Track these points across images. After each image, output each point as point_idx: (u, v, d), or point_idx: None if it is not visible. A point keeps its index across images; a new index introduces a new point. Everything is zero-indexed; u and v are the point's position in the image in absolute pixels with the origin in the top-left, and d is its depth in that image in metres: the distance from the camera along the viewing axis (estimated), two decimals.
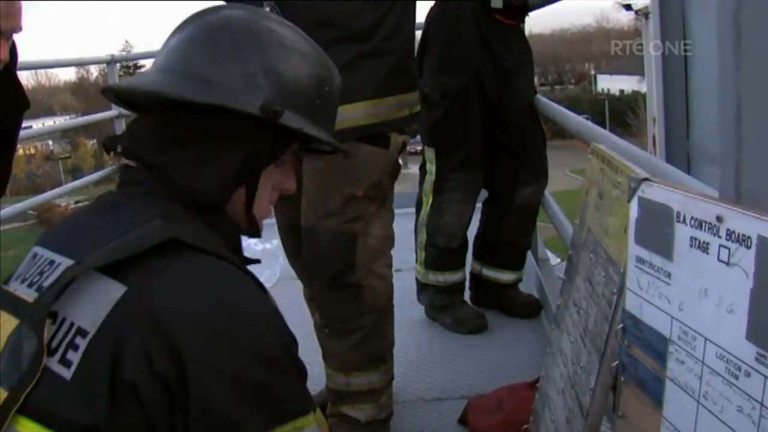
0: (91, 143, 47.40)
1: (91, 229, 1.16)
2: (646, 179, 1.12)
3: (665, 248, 1.02)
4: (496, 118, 3.29)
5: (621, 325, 1.19)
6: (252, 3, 2.15)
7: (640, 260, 1.11)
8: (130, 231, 1.09)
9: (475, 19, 3.21)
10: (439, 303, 3.42)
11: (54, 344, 1.03)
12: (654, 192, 1.08)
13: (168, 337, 0.99)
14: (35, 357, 1.02)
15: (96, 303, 1.03)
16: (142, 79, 1.24)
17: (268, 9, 2.06)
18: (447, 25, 3.23)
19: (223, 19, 1.26)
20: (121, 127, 5.46)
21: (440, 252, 3.35)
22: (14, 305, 1.12)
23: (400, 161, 2.30)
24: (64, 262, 1.11)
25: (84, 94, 57.69)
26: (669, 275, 1.01)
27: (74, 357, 1.01)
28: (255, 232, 1.31)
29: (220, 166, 1.19)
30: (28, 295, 1.11)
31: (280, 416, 1.06)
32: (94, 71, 56.08)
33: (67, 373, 1.01)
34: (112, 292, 1.03)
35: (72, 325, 1.03)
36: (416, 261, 3.45)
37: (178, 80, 1.19)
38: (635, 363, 1.12)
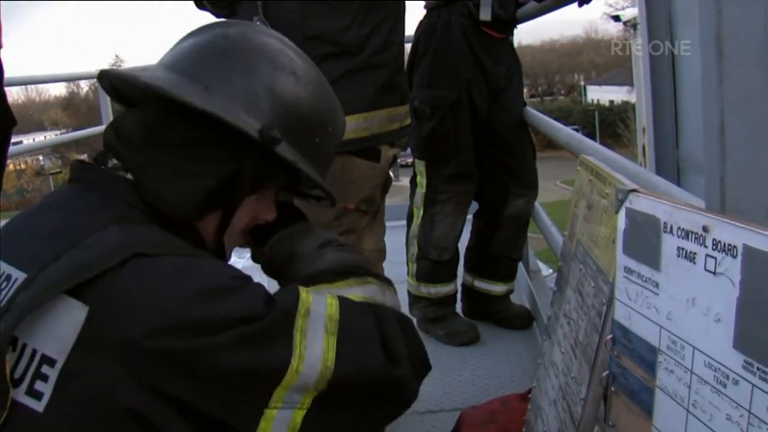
0: (83, 158, 47.25)
1: (41, 235, 1.08)
2: (633, 190, 1.13)
3: (653, 258, 1.02)
4: (486, 131, 3.31)
5: (611, 336, 1.19)
6: (241, 17, 2.19)
7: (629, 270, 1.12)
8: (83, 238, 1.02)
9: (463, 32, 3.23)
10: (432, 315, 3.42)
11: (17, 374, 0.97)
12: (641, 203, 1.09)
13: (148, 354, 0.95)
14: (1, 393, 0.95)
15: (58, 327, 0.97)
16: (145, 72, 1.17)
17: (257, 23, 2.07)
18: (436, 39, 3.24)
19: (240, 33, 1.23)
20: None
21: (432, 264, 3.35)
22: None
23: (391, 174, 2.30)
24: (19, 276, 1.02)
25: (75, 109, 57.59)
26: (657, 285, 1.02)
27: (45, 388, 0.96)
28: (219, 256, 1.24)
29: (197, 180, 1.14)
30: None
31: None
32: (84, 86, 55.94)
33: (38, 406, 0.96)
34: (74, 314, 0.97)
35: (35, 352, 0.97)
36: (408, 274, 3.45)
37: (180, 81, 1.14)
38: (625, 373, 1.13)
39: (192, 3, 2.16)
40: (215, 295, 1.00)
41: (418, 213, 3.36)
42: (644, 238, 1.06)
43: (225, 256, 1.25)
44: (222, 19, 1.33)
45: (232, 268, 1.08)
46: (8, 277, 1.04)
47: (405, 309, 3.46)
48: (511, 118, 3.34)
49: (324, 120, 1.25)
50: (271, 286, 1.17)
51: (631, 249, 1.12)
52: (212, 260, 1.09)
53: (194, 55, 1.19)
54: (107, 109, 5.49)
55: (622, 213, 1.15)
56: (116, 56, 75.17)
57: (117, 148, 1.17)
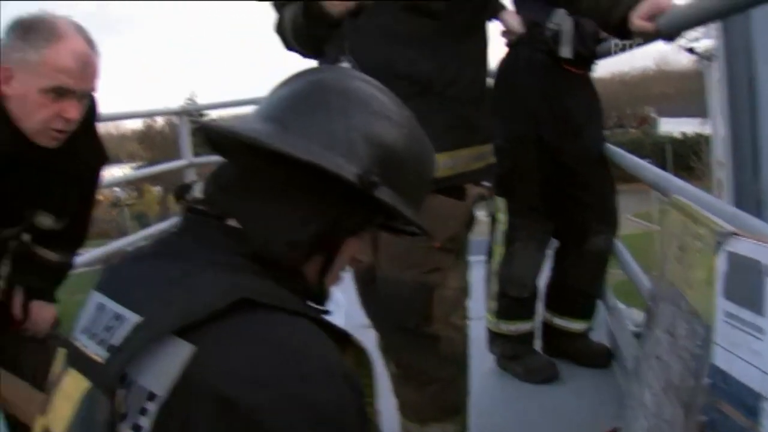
0: (157, 190, 48.25)
1: (154, 281, 1.13)
2: (733, 233, 1.13)
3: (756, 303, 1.02)
4: (565, 168, 3.31)
5: (708, 380, 1.18)
6: (329, 57, 2.24)
7: (729, 315, 1.11)
8: (198, 285, 1.06)
9: (543, 69, 3.25)
10: (511, 353, 3.41)
11: (124, 408, 1.01)
12: (742, 246, 1.09)
13: (240, 407, 0.97)
14: (109, 424, 1.01)
15: (164, 365, 1.00)
16: (244, 125, 1.21)
17: (347, 65, 2.12)
18: (515, 76, 3.27)
19: (333, 79, 1.25)
20: (190, 176, 5.60)
21: (511, 301, 3.35)
22: (84, 364, 1.11)
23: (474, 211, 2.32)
24: (131, 317, 1.07)
25: (150, 142, 58.98)
26: (760, 330, 1.01)
27: (145, 422, 0.99)
28: (321, 300, 1.26)
29: (300, 226, 1.16)
30: (97, 353, 1.09)
31: None
32: (159, 120, 57.23)
33: None
34: (180, 353, 1.00)
35: (141, 388, 1.01)
36: (487, 310, 3.45)
37: (279, 131, 1.17)
38: (725, 419, 1.11)
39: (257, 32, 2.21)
40: (314, 380, 1.02)
41: (499, 250, 3.37)
42: (746, 282, 1.05)
43: (326, 299, 1.27)
44: (313, 66, 1.36)
45: (337, 358, 1.09)
46: (119, 317, 1.09)
47: (484, 345, 3.47)
48: (591, 155, 3.33)
49: (418, 160, 1.27)
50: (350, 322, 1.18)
51: (732, 293, 1.11)
52: (319, 336, 1.09)
53: (290, 104, 1.22)
54: (185, 145, 5.62)
55: (722, 256, 1.14)
56: (191, 92, 76.90)
57: (220, 198, 1.20)
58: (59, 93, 1.97)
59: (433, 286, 2.15)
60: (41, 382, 2.31)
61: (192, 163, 5.59)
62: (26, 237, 2.44)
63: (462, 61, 2.17)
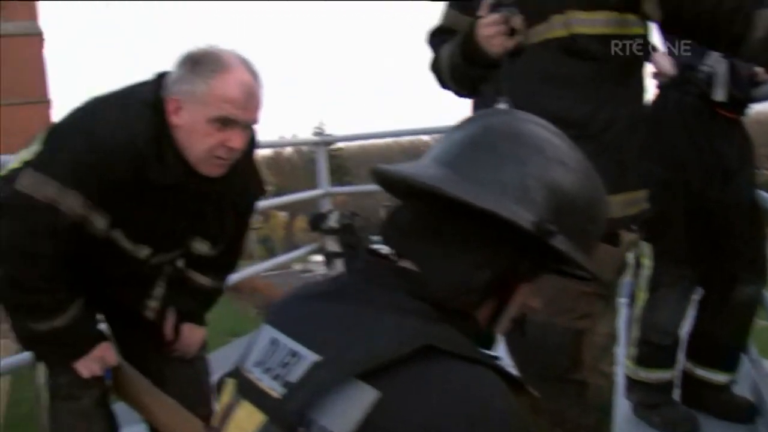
0: (282, 215, 49.49)
1: (331, 320, 1.14)
2: None
3: None
4: (714, 215, 3.21)
5: None
6: (484, 97, 2.25)
7: None
8: (381, 329, 1.07)
9: (692, 111, 3.18)
10: (649, 401, 3.32)
11: None
12: None
13: None
14: None
15: (347, 408, 1.01)
16: (418, 170, 1.21)
17: (505, 106, 2.13)
18: (668, 118, 3.20)
19: (506, 124, 1.25)
20: (326, 205, 5.72)
21: (652, 349, 3.26)
22: (259, 397, 1.13)
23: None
24: (309, 356, 1.09)
25: (278, 168, 60.73)
26: None
27: None
28: (490, 346, 1.25)
29: (476, 272, 1.15)
30: (273, 388, 1.11)
31: None
32: (287, 148, 58.59)
33: None
34: (363, 397, 1.00)
35: (323, 428, 1.01)
36: (626, 356, 3.37)
37: (454, 177, 1.17)
38: None
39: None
40: (495, 430, 1.02)
41: (642, 296, 3.29)
42: None
43: (495, 343, 1.27)
44: (488, 110, 1.36)
45: (517, 407, 1.09)
46: (296, 354, 1.11)
47: (621, 391, 3.38)
48: (741, 202, 3.22)
49: (593, 206, 1.25)
50: None
51: None
52: (499, 385, 1.08)
53: (464, 150, 1.22)
54: (323, 174, 5.73)
55: None
56: (319, 121, 78.74)
57: (396, 240, 1.22)
58: (224, 123, 2.04)
59: (583, 331, 2.12)
60: (187, 401, 2.41)
61: (328, 192, 5.70)
62: (180, 261, 2.54)
63: (619, 105, 2.14)
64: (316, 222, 5.52)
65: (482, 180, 1.17)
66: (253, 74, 2.09)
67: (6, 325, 2.32)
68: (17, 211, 2.03)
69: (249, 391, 1.16)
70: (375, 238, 4.52)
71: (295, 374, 1.08)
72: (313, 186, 5.77)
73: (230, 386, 1.23)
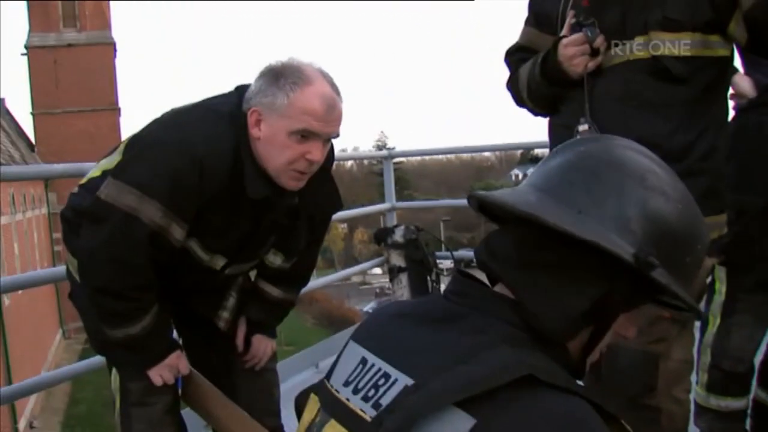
0: (342, 227, 49.73)
1: (424, 344, 1.13)
2: None
3: None
4: None
5: None
6: (564, 117, 2.24)
7: None
8: (476, 355, 1.06)
9: None
10: (719, 429, 3.24)
11: None
12: None
13: None
14: None
15: None
16: (518, 197, 1.20)
17: (586, 126, 2.11)
18: (746, 141, 3.13)
19: (605, 152, 1.23)
20: (392, 220, 5.73)
21: (724, 376, 3.18)
22: (348, 418, 1.12)
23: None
24: (401, 378, 1.08)
25: (339, 180, 60.71)
26: None
27: None
28: (580, 376, 1.23)
29: (572, 302, 1.14)
30: (363, 409, 1.10)
31: None
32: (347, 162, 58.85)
33: None
34: (459, 425, 1.00)
35: None
36: (697, 383, 3.30)
37: (553, 205, 1.16)
38: None
39: None
40: None
41: (714, 321, 3.22)
42: None
43: (583, 375, 1.24)
44: (586, 137, 1.35)
45: None
46: (388, 377, 1.11)
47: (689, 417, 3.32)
48: None
49: (693, 238, 1.22)
50: None
51: None
52: (595, 417, 1.07)
53: (563, 176, 1.21)
54: (391, 188, 5.75)
55: None
56: (381, 132, 79.07)
57: (492, 266, 1.21)
58: (305, 135, 2.05)
59: (658, 355, 2.09)
60: (256, 411, 2.42)
61: (394, 207, 5.71)
62: (253, 273, 2.56)
63: (702, 127, 2.13)
64: (382, 236, 5.52)
65: (582, 208, 1.15)
66: (334, 87, 2.10)
67: (72, 326, 2.37)
68: (98, 218, 2.07)
69: (337, 410, 1.16)
70: (439, 254, 4.48)
71: (388, 397, 1.08)
72: (372, 197, 5.81)
73: (315, 403, 1.23)
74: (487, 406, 1.00)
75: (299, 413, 1.29)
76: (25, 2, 40.46)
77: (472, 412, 1.00)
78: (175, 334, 2.48)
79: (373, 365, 1.15)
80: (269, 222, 2.26)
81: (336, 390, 1.18)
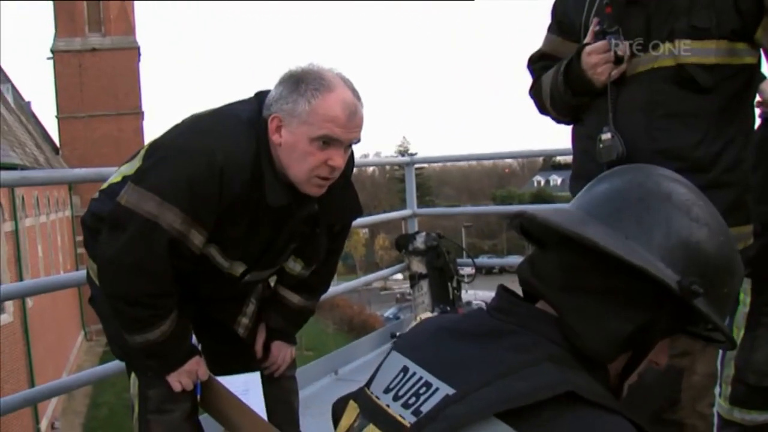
0: (363, 232, 49.75)
1: (467, 357, 1.15)
2: None
3: None
4: None
5: None
6: (588, 127, 2.21)
7: None
8: (517, 370, 1.07)
9: None
10: None
11: None
12: None
13: None
14: None
15: None
16: (568, 220, 1.23)
17: (609, 135, 2.09)
18: (761, 147, 3.09)
19: (653, 181, 1.25)
20: (413, 227, 5.71)
21: (748, 389, 3.13)
22: (387, 424, 1.14)
23: None
24: (443, 388, 1.10)
25: (361, 185, 61.18)
26: None
27: None
28: (617, 397, 1.24)
29: (616, 325, 1.16)
30: (403, 416, 1.12)
31: None
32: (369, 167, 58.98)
33: None
34: None
35: None
36: (720, 395, 3.25)
37: (601, 229, 1.18)
38: None
39: None
40: None
41: (738, 333, 3.17)
42: None
43: (621, 395, 1.26)
44: (632, 165, 1.36)
45: None
46: (428, 384, 1.13)
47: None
48: None
49: (731, 270, 1.24)
50: None
51: None
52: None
53: (611, 202, 1.23)
54: (412, 195, 5.74)
55: None
56: (404, 138, 79.23)
57: (536, 286, 1.23)
58: (326, 142, 2.04)
59: (682, 370, 2.06)
60: (275, 418, 2.41)
61: (415, 213, 5.70)
62: (273, 280, 2.55)
63: (729, 137, 2.10)
64: (403, 243, 5.51)
65: (630, 236, 1.18)
66: (355, 93, 2.08)
67: (94, 328, 2.37)
68: (118, 224, 2.07)
69: (377, 416, 1.18)
70: (460, 261, 4.46)
71: (428, 405, 1.10)
72: (394, 203, 5.81)
73: (353, 409, 1.25)
74: (529, 421, 1.02)
75: (336, 420, 1.30)
76: (51, 6, 40.84)
77: (514, 425, 1.01)
78: (194, 339, 2.47)
79: (414, 374, 1.17)
80: (289, 229, 2.25)
81: (376, 396, 1.20)
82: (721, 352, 3.24)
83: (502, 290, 1.27)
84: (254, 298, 2.53)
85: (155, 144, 2.18)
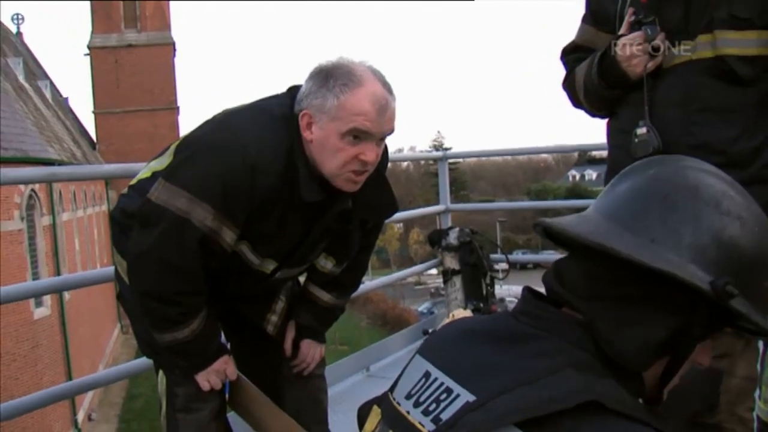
0: (397, 226, 49.77)
1: (490, 362, 1.11)
2: None
3: None
4: None
5: None
6: (623, 122, 2.15)
7: None
8: (539, 377, 1.03)
9: None
10: None
11: None
12: None
13: None
14: None
15: None
16: (586, 226, 1.17)
17: (645, 129, 2.03)
18: None
19: (678, 175, 1.17)
20: (446, 222, 5.66)
21: None
22: (407, 431, 1.11)
23: None
24: (463, 394, 1.07)
25: (395, 179, 61.24)
26: None
27: None
28: (656, 404, 1.21)
29: (648, 331, 1.10)
30: (422, 424, 1.09)
31: None
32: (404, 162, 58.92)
33: None
34: None
35: None
36: (759, 398, 3.17)
37: (625, 235, 1.12)
38: None
39: None
40: None
41: None
42: None
43: (659, 404, 1.21)
44: (654, 158, 1.28)
45: None
46: (449, 390, 1.10)
47: None
48: None
49: None
50: None
51: None
52: None
53: (634, 203, 1.16)
54: (446, 190, 5.70)
55: None
56: (438, 132, 79.22)
57: (562, 293, 1.17)
58: (357, 136, 1.99)
59: (721, 372, 1.99)
60: (303, 417, 2.38)
61: (449, 208, 5.65)
62: (303, 277, 2.51)
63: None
64: (436, 238, 5.45)
65: (656, 237, 1.11)
66: (386, 86, 2.03)
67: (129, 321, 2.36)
68: (149, 221, 2.04)
69: (397, 423, 1.15)
70: (494, 256, 4.40)
71: (448, 412, 1.07)
72: (429, 198, 5.77)
73: (376, 415, 1.23)
74: (547, 428, 0.98)
75: (361, 425, 1.28)
76: (89, 4, 41.30)
77: None
78: (222, 338, 2.44)
79: (436, 379, 1.14)
80: (321, 226, 2.21)
81: (398, 403, 1.18)
82: (761, 354, 3.16)
83: (528, 293, 1.22)
84: (284, 296, 2.50)
85: (186, 140, 2.15)
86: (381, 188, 2.29)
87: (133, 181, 2.29)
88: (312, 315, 2.53)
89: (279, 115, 2.08)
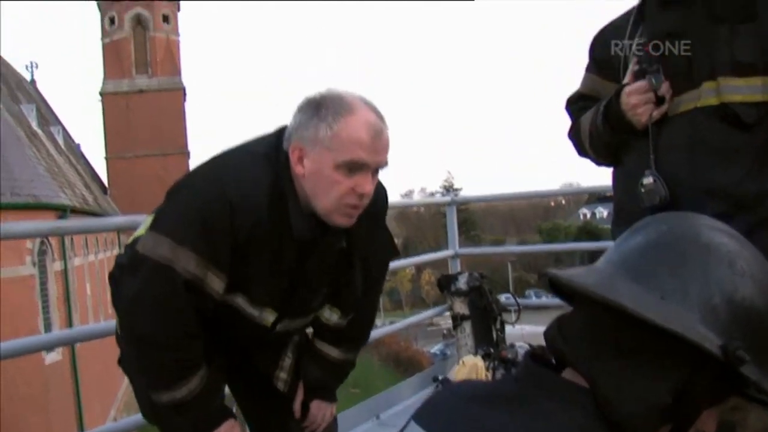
0: (409, 268, 49.68)
1: (488, 429, 1.07)
2: None
3: None
4: None
5: None
6: (629, 169, 2.13)
7: None
8: None
9: None
10: None
11: None
12: None
13: None
14: None
15: None
16: (594, 279, 1.13)
17: (651, 179, 2.01)
18: None
19: (692, 232, 1.14)
20: (456, 266, 5.64)
21: None
22: None
23: None
24: None
25: (406, 220, 61.25)
26: None
27: None
28: None
29: (649, 392, 1.06)
30: None
31: None
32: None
33: None
34: None
35: None
36: None
37: (637, 289, 1.08)
38: None
39: None
40: None
41: None
42: None
43: None
44: (666, 213, 1.25)
45: None
46: None
47: None
48: None
49: None
50: None
51: None
52: None
53: (646, 257, 1.12)
54: (454, 235, 5.68)
55: None
56: (448, 173, 79.57)
57: (563, 349, 1.14)
58: (352, 167, 1.93)
59: (734, 425, 1.95)
60: None
61: (457, 253, 5.63)
62: (309, 331, 2.45)
63: None
64: (445, 283, 5.43)
65: (665, 293, 1.07)
66: (378, 114, 1.97)
67: None
68: (137, 269, 1.99)
69: None
70: (503, 298, 4.37)
71: None
72: (438, 238, 5.76)
73: None
74: None
75: None
76: (100, 49, 41.82)
77: None
78: (227, 391, 2.38)
79: None
80: (316, 267, 2.14)
81: None
82: None
83: (529, 359, 1.18)
84: (291, 352, 2.42)
85: (172, 187, 2.10)
86: (379, 232, 2.26)
87: (130, 240, 2.24)
88: (321, 371, 2.44)
89: (262, 152, 2.02)
